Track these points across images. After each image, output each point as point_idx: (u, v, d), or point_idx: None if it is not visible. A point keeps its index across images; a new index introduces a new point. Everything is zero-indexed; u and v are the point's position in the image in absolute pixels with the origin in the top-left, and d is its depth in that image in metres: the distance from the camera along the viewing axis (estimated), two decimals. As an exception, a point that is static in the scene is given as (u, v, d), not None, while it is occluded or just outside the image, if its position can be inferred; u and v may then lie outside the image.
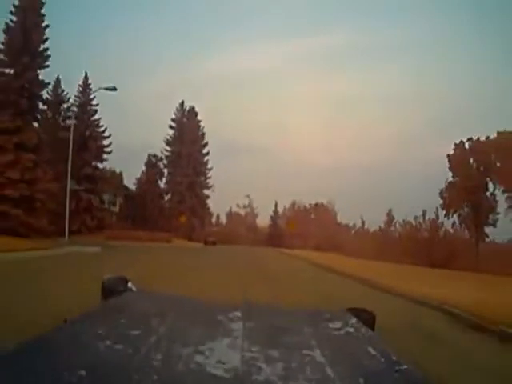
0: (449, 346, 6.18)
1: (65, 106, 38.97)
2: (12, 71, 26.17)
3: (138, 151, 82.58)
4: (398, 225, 45.63)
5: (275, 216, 69.71)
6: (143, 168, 52.63)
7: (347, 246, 47.12)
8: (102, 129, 40.10)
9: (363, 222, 63.95)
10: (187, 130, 53.59)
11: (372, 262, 28.24)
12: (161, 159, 53.98)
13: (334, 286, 13.57)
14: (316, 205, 78.68)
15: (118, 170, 49.05)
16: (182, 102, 55.47)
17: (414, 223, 39.86)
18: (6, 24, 26.59)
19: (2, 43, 26.85)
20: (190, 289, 8.29)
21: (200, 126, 55.28)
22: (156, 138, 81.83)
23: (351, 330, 1.35)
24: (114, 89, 25.57)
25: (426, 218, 38.22)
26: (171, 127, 54.92)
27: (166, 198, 53.96)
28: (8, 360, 0.87)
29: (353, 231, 65.34)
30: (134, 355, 0.96)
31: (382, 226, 49.63)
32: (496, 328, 6.85)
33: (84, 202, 35.07)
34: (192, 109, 55.66)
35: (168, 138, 54.54)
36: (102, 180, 39.67)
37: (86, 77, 38.86)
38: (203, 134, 55.66)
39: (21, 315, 5.48)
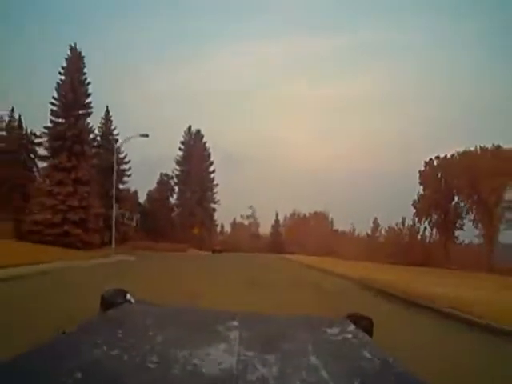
0: (351, 296, 12.42)
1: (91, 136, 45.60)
2: (65, 122, 33.02)
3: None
4: (383, 231, 51.90)
5: (276, 225, 75.76)
6: (154, 185, 59.16)
7: (339, 250, 53.12)
8: (123, 155, 46.59)
9: (354, 229, 70.62)
10: (195, 151, 60.10)
11: (352, 262, 34.29)
12: (171, 177, 60.54)
13: (308, 274, 19.87)
14: (315, 213, 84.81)
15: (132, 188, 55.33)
16: (190, 127, 62.15)
17: (396, 229, 46.12)
18: (58, 83, 33.74)
19: (55, 99, 33.83)
20: (208, 279, 14.45)
21: (206, 147, 61.84)
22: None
23: (349, 335, 1.37)
24: (146, 135, 32.10)
25: (406, 224, 44.56)
26: (180, 149, 61.54)
27: (176, 211, 60.30)
28: (4, 369, 0.89)
29: (346, 237, 71.14)
30: (129, 361, 1.00)
31: (370, 232, 55.97)
32: (392, 292, 13.05)
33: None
34: (198, 132, 62.30)
35: (178, 158, 61.14)
36: (122, 199, 46.11)
37: (107, 110, 45.39)
38: (209, 154, 62.20)
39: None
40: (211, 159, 62.36)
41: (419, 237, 44.91)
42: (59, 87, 33.51)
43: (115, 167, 31.78)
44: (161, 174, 59.46)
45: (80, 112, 33.67)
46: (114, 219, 30.23)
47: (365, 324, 1.55)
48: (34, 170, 39.92)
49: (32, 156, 39.69)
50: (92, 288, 4.26)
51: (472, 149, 38.10)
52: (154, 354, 1.05)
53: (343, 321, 1.56)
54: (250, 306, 6.94)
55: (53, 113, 34.28)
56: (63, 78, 33.50)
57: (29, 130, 38.83)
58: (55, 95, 33.52)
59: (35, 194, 31.97)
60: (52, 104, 34.14)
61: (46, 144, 34.85)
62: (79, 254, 24.46)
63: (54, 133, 33.77)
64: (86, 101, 34.20)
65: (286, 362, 1.07)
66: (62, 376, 0.86)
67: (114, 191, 30.66)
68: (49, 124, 34.66)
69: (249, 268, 23.06)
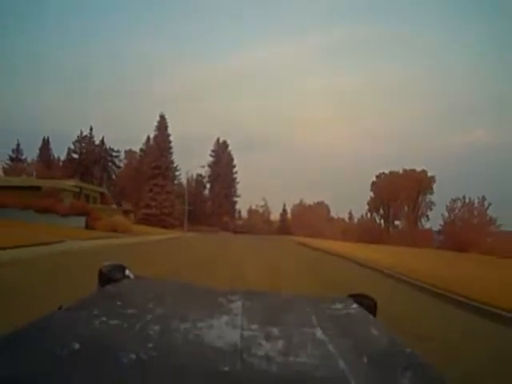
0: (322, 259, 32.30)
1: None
2: (160, 158, 54.93)
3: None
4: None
5: (284, 213, 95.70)
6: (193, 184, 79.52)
7: (327, 233, 72.93)
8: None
9: (350, 217, 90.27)
10: (222, 157, 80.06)
11: (331, 241, 53.85)
12: (204, 177, 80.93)
13: (295, 247, 39.73)
14: (318, 203, 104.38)
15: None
16: (218, 138, 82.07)
17: (364, 218, 65.83)
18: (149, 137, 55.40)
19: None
20: (235, 245, 33.96)
21: (231, 154, 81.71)
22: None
23: (352, 311, 1.37)
24: (203, 166, 53.03)
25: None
26: (211, 155, 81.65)
27: (208, 203, 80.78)
28: (1, 344, 0.91)
29: (336, 223, 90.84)
30: (129, 330, 1.01)
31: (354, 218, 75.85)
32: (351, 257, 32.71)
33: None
34: (224, 142, 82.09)
35: (209, 163, 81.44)
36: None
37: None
38: (232, 159, 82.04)
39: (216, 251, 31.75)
40: (234, 162, 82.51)
41: (381, 224, 64.48)
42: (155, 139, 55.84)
43: (186, 187, 52.80)
44: (197, 174, 79.90)
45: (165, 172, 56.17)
46: (186, 213, 50.99)
47: (368, 304, 1.53)
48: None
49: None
50: (183, 243, 23.80)
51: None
52: (153, 325, 1.05)
53: (346, 299, 1.56)
54: (257, 252, 26.20)
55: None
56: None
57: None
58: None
59: (144, 198, 53.12)
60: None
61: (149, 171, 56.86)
62: (170, 230, 45.05)
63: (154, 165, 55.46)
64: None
65: (290, 337, 1.07)
66: (59, 350, 0.88)
67: (186, 197, 51.63)
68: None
69: (261, 242, 42.83)
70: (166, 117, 62.23)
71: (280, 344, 0.99)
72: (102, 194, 45.34)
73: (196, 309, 1.28)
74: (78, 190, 39.46)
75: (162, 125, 61.07)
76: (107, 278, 1.57)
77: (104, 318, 1.06)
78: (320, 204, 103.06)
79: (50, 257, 14.05)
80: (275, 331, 1.07)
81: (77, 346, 0.87)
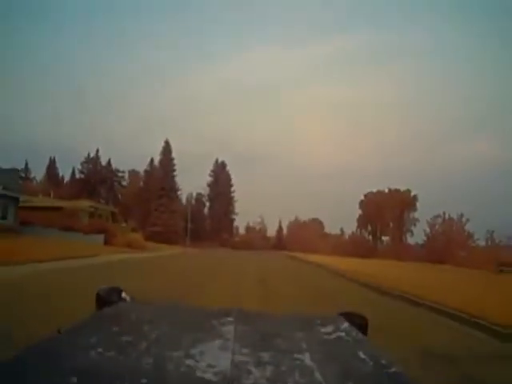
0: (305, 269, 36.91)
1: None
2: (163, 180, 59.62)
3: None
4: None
5: (279, 230, 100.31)
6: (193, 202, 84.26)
7: (320, 248, 77.43)
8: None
9: (342, 233, 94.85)
10: (221, 177, 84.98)
11: (321, 255, 58.30)
12: (204, 196, 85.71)
13: (289, 261, 44.24)
14: (313, 219, 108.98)
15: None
16: (217, 160, 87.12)
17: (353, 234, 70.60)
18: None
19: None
20: (234, 258, 38.52)
21: (229, 174, 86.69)
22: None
23: (342, 334, 1.37)
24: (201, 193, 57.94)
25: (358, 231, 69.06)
26: (210, 175, 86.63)
27: (208, 221, 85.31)
28: (1, 369, 0.91)
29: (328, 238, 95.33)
30: (123, 361, 1.00)
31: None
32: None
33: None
34: (222, 162, 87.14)
35: (208, 182, 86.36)
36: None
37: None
38: (230, 179, 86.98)
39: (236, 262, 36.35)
40: (231, 182, 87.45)
41: (369, 240, 69.16)
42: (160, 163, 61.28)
43: (189, 207, 57.58)
44: (197, 193, 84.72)
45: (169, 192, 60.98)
46: (188, 230, 55.57)
47: (359, 322, 1.55)
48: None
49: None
50: (191, 256, 28.60)
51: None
52: (148, 353, 1.06)
53: (337, 318, 1.57)
54: (255, 267, 30.92)
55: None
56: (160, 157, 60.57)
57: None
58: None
59: (151, 217, 57.96)
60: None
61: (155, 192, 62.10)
62: (174, 246, 49.70)
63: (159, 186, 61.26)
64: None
65: (280, 361, 1.08)
66: (57, 375, 0.89)
67: (189, 216, 56.34)
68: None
69: (257, 256, 47.25)
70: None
71: (269, 371, 1.00)
72: (113, 213, 49.91)
73: (188, 333, 1.28)
74: (93, 209, 44.07)
75: (167, 149, 67.25)
76: (104, 300, 1.65)
77: (100, 349, 1.06)
78: (314, 220, 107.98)
79: (105, 264, 18.69)
80: (265, 356, 1.09)
81: (74, 379, 0.87)
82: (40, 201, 43.98)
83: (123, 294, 1.74)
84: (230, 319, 1.44)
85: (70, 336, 1.19)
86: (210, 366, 0.99)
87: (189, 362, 1.01)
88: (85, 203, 43.65)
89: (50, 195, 51.44)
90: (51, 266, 15.48)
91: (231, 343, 1.17)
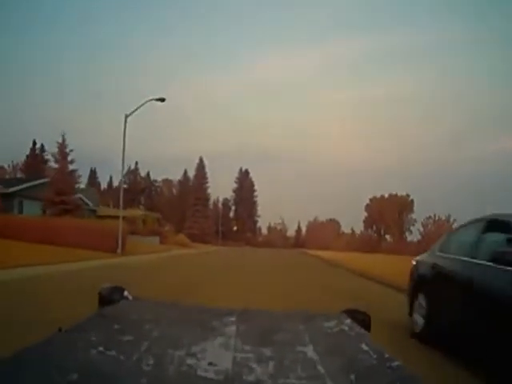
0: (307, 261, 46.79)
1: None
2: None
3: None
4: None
5: (298, 230, 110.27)
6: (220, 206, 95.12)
7: (335, 246, 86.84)
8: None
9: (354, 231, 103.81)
10: (245, 184, 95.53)
11: (334, 252, 67.63)
12: (230, 201, 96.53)
13: (305, 257, 54.14)
14: (331, 220, 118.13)
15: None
16: (241, 168, 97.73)
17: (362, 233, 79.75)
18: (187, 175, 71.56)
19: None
20: (257, 255, 48.19)
21: (252, 181, 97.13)
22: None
23: (345, 328, 1.38)
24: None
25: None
26: (235, 182, 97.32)
27: (233, 222, 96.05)
28: (1, 367, 0.91)
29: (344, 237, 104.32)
30: (124, 361, 1.00)
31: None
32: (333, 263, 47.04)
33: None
34: (246, 170, 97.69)
35: (234, 188, 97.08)
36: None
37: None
38: (253, 185, 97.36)
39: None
40: (255, 187, 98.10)
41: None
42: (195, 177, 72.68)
43: (220, 212, 68.52)
44: (223, 198, 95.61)
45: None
46: (220, 231, 66.39)
47: (362, 319, 1.56)
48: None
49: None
50: (226, 252, 39.36)
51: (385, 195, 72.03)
52: (150, 352, 1.06)
53: (340, 315, 1.57)
54: (272, 258, 40.61)
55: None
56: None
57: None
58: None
59: (188, 221, 69.17)
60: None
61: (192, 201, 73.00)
62: (209, 245, 60.63)
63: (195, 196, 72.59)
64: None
65: (282, 356, 1.08)
66: (58, 374, 0.88)
67: (220, 219, 67.08)
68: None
69: (276, 252, 56.89)
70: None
71: (271, 366, 1.00)
72: (158, 219, 60.90)
73: (190, 332, 1.28)
74: (144, 217, 55.14)
75: (201, 166, 79.84)
76: (106, 299, 1.65)
77: (101, 347, 1.06)
78: (332, 221, 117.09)
79: (182, 255, 29.19)
80: (267, 352, 1.10)
81: (75, 376, 0.88)
82: (102, 211, 55.22)
83: (125, 293, 1.74)
84: (233, 318, 1.45)
85: (71, 334, 1.20)
86: (211, 364, 1.01)
87: (190, 360, 1.02)
88: (139, 212, 54.69)
89: (108, 205, 62.75)
90: (164, 255, 26.10)
91: (233, 341, 1.18)
